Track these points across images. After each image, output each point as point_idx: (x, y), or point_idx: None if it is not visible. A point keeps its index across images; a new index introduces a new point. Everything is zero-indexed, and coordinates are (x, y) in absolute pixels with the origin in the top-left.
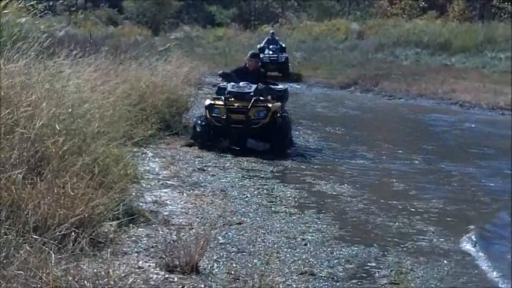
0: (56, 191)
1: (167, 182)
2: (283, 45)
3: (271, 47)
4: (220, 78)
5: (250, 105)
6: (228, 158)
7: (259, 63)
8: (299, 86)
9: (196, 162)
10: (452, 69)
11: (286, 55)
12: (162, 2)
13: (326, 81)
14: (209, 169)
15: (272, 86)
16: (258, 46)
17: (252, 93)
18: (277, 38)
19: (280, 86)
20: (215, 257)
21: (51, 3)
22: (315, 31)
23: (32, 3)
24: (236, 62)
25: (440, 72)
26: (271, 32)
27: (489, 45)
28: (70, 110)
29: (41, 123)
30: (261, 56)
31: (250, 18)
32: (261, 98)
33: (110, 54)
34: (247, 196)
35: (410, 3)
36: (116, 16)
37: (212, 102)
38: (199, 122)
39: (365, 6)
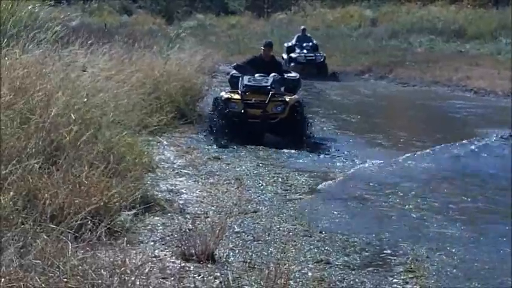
0: (71, 180)
1: (182, 170)
2: (316, 43)
3: (304, 45)
4: (234, 71)
5: (267, 99)
6: (243, 147)
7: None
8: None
9: (211, 151)
10: (467, 55)
11: (324, 54)
12: None
13: (340, 69)
14: (224, 158)
15: (286, 76)
16: (286, 44)
17: (269, 87)
18: (308, 34)
19: (293, 74)
20: (231, 246)
21: None
22: (328, 18)
23: None
24: (249, 50)
25: (455, 59)
26: (302, 28)
27: (504, 32)
28: (85, 99)
29: (56, 112)
30: (294, 55)
31: (264, 6)
32: (278, 91)
33: (124, 43)
34: (262, 185)
35: None
36: (130, 5)
37: (229, 96)
38: (215, 117)
39: None
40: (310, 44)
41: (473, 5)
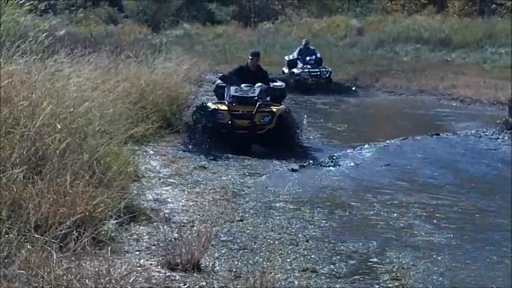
0: (56, 189)
1: (168, 180)
2: (319, 56)
3: (307, 59)
4: (220, 81)
5: (255, 110)
6: (228, 156)
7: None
8: None
9: (197, 160)
10: (453, 64)
11: (329, 69)
12: (162, 0)
13: None
14: (210, 167)
15: (272, 85)
16: (287, 58)
17: (256, 97)
18: (312, 47)
19: (279, 83)
20: (217, 255)
21: (51, 2)
22: (315, 28)
23: (32, 2)
24: (236, 59)
25: (441, 68)
26: (304, 41)
27: (489, 41)
28: (71, 109)
29: (41, 122)
30: (297, 70)
31: (250, 15)
32: (265, 101)
33: (110, 53)
34: (247, 193)
35: None
36: (116, 15)
37: (216, 107)
38: (199, 127)
39: (364, 2)
40: (314, 57)
41: (459, 15)
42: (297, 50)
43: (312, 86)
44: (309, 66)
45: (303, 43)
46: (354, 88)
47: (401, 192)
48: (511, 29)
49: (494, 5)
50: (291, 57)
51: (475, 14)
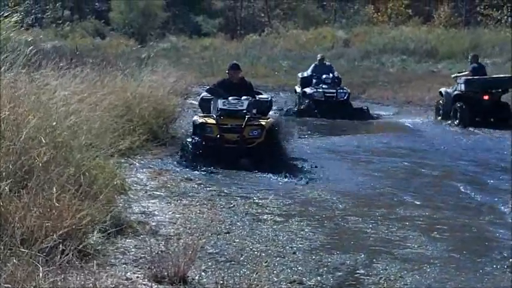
0: (42, 203)
1: (155, 192)
2: (337, 74)
3: (323, 77)
4: (205, 93)
5: (244, 124)
6: (215, 168)
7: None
8: (286, 95)
9: (184, 173)
10: (439, 75)
11: (348, 90)
12: (148, 13)
13: None
14: (197, 179)
15: (258, 97)
16: (300, 75)
17: (244, 111)
18: (328, 63)
19: (265, 96)
20: (203, 267)
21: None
22: (302, 39)
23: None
24: (223, 71)
25: (427, 79)
26: (319, 56)
27: (475, 52)
28: (55, 123)
29: (27, 135)
30: (309, 90)
31: (237, 28)
32: (253, 114)
33: (97, 66)
34: (234, 205)
35: (397, 10)
36: (103, 28)
37: (203, 120)
38: (189, 142)
39: (351, 14)
40: (331, 76)
41: (445, 25)
42: (311, 67)
43: (326, 109)
44: (324, 86)
45: (318, 58)
46: (365, 111)
47: (394, 206)
48: None
49: (479, 16)
50: (304, 74)
51: (461, 25)
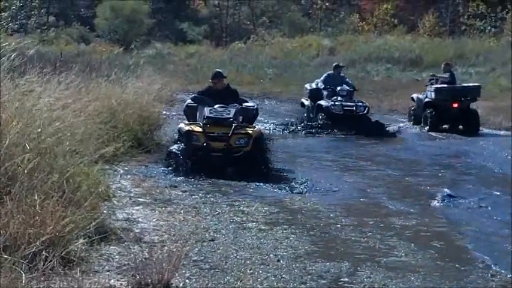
0: (25, 209)
1: (139, 199)
2: (353, 86)
3: (338, 89)
4: (190, 101)
5: (231, 132)
6: (200, 175)
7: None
8: (270, 103)
9: (169, 180)
10: (423, 84)
11: (366, 104)
12: (133, 19)
13: (298, 97)
14: (181, 186)
15: (244, 105)
16: (308, 86)
17: (231, 119)
18: (342, 74)
19: (251, 104)
20: (187, 275)
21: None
22: (287, 47)
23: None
24: (208, 79)
25: (412, 87)
26: (334, 64)
27: (459, 61)
28: (39, 129)
29: (11, 141)
30: (324, 103)
31: (222, 35)
32: (240, 123)
33: (81, 72)
34: (219, 212)
35: (382, 19)
36: (88, 34)
37: (190, 128)
38: (174, 150)
39: (336, 22)
40: (347, 88)
41: (430, 35)
42: (324, 76)
43: (344, 124)
44: (340, 98)
45: (334, 65)
46: (383, 127)
47: (379, 215)
48: None
49: (464, 26)
50: (313, 85)
51: (445, 34)
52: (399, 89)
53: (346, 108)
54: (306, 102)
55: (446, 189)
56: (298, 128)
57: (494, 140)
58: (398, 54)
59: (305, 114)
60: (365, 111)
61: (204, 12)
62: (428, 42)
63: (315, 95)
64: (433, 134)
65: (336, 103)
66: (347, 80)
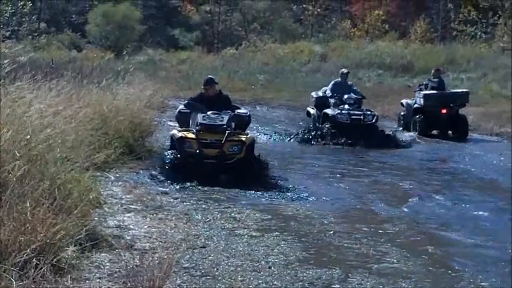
0: (16, 217)
1: (130, 206)
2: (361, 95)
3: (345, 97)
4: (182, 107)
5: (224, 139)
6: (191, 182)
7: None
8: (261, 109)
9: (160, 186)
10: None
11: (375, 113)
12: (125, 26)
13: (289, 103)
14: (172, 193)
15: (237, 112)
16: (315, 94)
17: (225, 126)
18: (350, 82)
19: (243, 110)
20: (178, 282)
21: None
22: (279, 53)
23: None
24: (200, 85)
25: (403, 93)
26: (342, 71)
27: (451, 66)
28: (30, 136)
29: (1, 148)
30: (331, 112)
31: (214, 41)
32: (233, 130)
33: (73, 79)
34: (210, 219)
35: (373, 25)
36: (79, 40)
37: (183, 135)
38: (168, 156)
39: (328, 28)
40: (354, 96)
41: (421, 41)
42: (331, 84)
43: (351, 133)
44: (347, 107)
45: (341, 72)
46: (391, 138)
47: (372, 221)
48: None
49: (455, 32)
50: (320, 93)
51: (437, 40)
52: (390, 95)
53: (353, 117)
54: (312, 111)
55: (436, 195)
56: (302, 136)
57: (492, 146)
58: (389, 60)
59: (311, 124)
60: (373, 120)
61: (195, 19)
62: (419, 48)
63: (321, 103)
64: (423, 139)
65: (343, 111)
66: (355, 88)
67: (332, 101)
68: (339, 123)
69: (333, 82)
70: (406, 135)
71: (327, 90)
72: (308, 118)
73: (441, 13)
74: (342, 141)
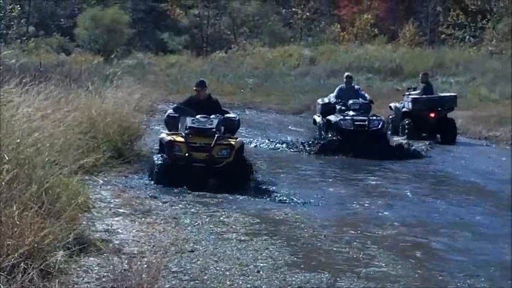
0: (4, 221)
1: (119, 210)
2: (370, 99)
3: (350, 102)
4: (171, 110)
5: (213, 143)
6: (180, 186)
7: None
8: (251, 112)
9: (149, 190)
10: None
11: (382, 118)
12: (114, 29)
13: (279, 107)
14: (161, 196)
15: (226, 116)
16: (321, 101)
17: (214, 129)
18: (357, 86)
19: (233, 115)
20: (167, 286)
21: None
22: (268, 57)
23: None
24: (188, 89)
25: (392, 97)
26: (346, 75)
27: (439, 70)
28: (18, 140)
29: None
30: (334, 118)
31: (203, 45)
32: (222, 134)
33: (61, 82)
34: (199, 223)
35: (363, 28)
36: (68, 44)
37: (171, 138)
38: (157, 161)
39: (317, 32)
40: (360, 101)
41: (410, 44)
42: (337, 89)
43: (355, 142)
44: (351, 113)
45: (345, 76)
46: (403, 149)
47: (360, 225)
48: None
49: (443, 35)
50: (326, 100)
51: (425, 43)
52: (380, 98)
53: (357, 123)
54: (318, 119)
55: (427, 198)
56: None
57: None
58: (378, 63)
59: (317, 132)
60: (379, 126)
61: (184, 22)
62: (408, 51)
63: (327, 110)
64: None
65: (346, 117)
66: (362, 92)
67: (338, 107)
68: (342, 130)
69: (337, 88)
70: (420, 144)
71: (332, 97)
72: (314, 126)
73: (430, 17)
74: (347, 153)
